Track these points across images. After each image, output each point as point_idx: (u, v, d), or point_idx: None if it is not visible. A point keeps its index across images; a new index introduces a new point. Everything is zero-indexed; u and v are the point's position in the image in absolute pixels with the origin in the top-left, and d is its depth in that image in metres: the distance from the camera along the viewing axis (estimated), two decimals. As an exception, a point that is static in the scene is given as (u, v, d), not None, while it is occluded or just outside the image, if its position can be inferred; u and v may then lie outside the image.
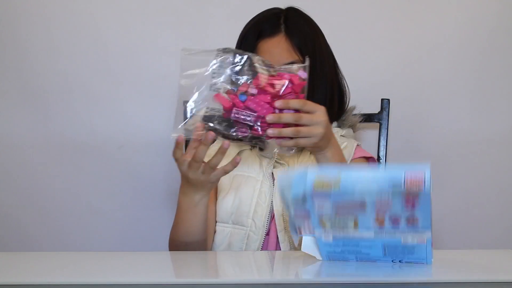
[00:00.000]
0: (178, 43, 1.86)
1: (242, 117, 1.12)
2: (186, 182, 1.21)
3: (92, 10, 1.84)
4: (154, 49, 1.86)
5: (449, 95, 1.89)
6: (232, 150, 1.42)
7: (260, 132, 1.13)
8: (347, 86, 1.47)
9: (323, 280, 0.99)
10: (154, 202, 1.92)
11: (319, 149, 1.22)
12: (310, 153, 1.39)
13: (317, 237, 1.01)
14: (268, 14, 1.41)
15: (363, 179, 0.94)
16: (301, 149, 1.39)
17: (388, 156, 1.75)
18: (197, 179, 1.18)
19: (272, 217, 1.37)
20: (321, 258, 1.04)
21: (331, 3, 1.85)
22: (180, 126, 1.13)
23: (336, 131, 1.42)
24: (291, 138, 1.15)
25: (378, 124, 1.70)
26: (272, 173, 1.40)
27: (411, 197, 0.92)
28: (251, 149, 1.43)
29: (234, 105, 1.12)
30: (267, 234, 1.37)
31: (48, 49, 1.85)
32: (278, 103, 1.13)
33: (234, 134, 1.13)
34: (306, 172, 0.96)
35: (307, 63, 1.16)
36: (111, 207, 1.92)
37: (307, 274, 1.06)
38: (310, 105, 1.16)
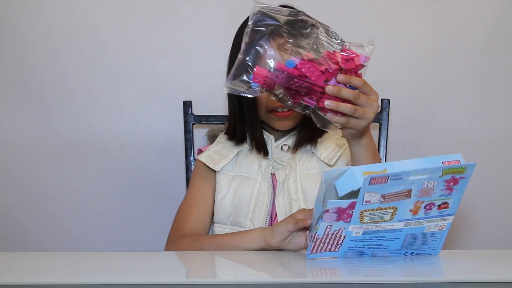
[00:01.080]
0: (178, 43, 1.86)
1: (294, 84, 1.08)
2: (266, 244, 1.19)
3: (92, 10, 1.84)
4: (154, 49, 1.86)
5: (449, 95, 1.89)
6: (231, 150, 1.42)
7: (314, 102, 1.10)
8: None
9: (330, 280, 0.99)
10: (154, 202, 1.92)
11: (360, 135, 1.19)
12: (313, 153, 1.39)
13: (347, 234, 1.03)
14: None
15: (411, 167, 0.98)
16: (296, 149, 1.39)
17: (388, 156, 1.75)
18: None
19: (271, 218, 1.36)
20: (336, 257, 1.07)
21: (331, 3, 1.85)
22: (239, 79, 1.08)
23: (338, 130, 1.42)
24: (344, 115, 1.12)
25: (378, 124, 1.70)
26: (273, 174, 1.39)
27: (453, 182, 1.00)
28: (250, 150, 1.43)
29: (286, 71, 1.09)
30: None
31: (48, 49, 1.85)
32: (340, 77, 1.11)
33: (289, 101, 1.10)
34: (352, 169, 0.99)
35: (373, 45, 1.14)
36: (111, 207, 1.92)
37: (311, 274, 1.06)
38: (368, 87, 1.16)
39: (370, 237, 1.05)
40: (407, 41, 1.87)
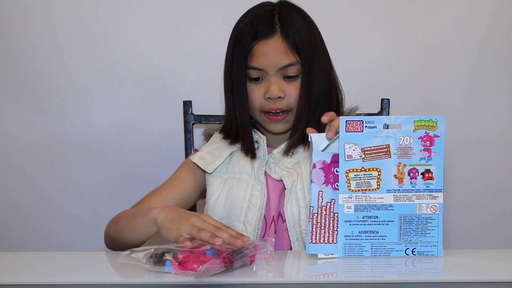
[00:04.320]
0: (178, 43, 1.86)
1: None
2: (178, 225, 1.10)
3: (92, 10, 1.84)
4: (154, 49, 1.86)
5: (449, 95, 1.89)
6: (224, 151, 1.40)
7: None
8: (340, 84, 1.45)
9: (332, 280, 0.99)
10: (154, 202, 1.91)
11: None
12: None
13: (340, 212, 1.07)
14: (261, 13, 1.34)
15: (386, 120, 1.05)
16: (289, 150, 1.36)
17: (388, 156, 1.75)
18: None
19: (265, 219, 1.34)
20: (337, 255, 1.08)
21: (331, 2, 1.85)
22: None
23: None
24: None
25: (378, 124, 1.70)
26: (265, 175, 1.37)
27: (428, 141, 1.04)
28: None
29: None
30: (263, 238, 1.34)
31: (48, 49, 1.85)
32: None
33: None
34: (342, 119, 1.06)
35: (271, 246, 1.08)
36: (111, 207, 1.92)
37: (313, 274, 1.06)
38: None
39: (363, 217, 1.07)
40: (407, 41, 1.87)
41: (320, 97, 1.34)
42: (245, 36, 1.32)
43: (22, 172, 1.91)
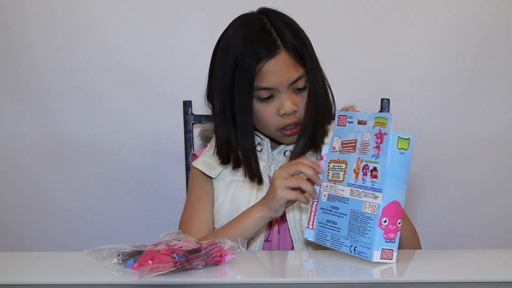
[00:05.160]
0: (178, 43, 1.86)
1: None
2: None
3: (92, 10, 1.84)
4: (154, 49, 1.86)
5: (449, 95, 1.89)
6: None
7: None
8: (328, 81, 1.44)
9: (331, 280, 0.99)
10: (154, 202, 1.92)
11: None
12: (317, 159, 1.35)
13: (319, 198, 1.14)
14: (254, 31, 1.28)
15: (359, 116, 1.11)
16: (297, 156, 1.35)
17: (388, 156, 1.75)
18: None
19: (270, 222, 1.33)
20: (312, 239, 1.14)
21: (330, 3, 1.85)
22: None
23: None
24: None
25: (378, 124, 1.70)
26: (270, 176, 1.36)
27: (379, 138, 1.05)
28: None
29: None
30: (266, 239, 1.34)
31: (48, 49, 1.85)
32: None
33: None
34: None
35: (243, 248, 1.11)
36: (111, 207, 1.92)
37: (309, 274, 1.06)
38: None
39: (330, 207, 1.11)
40: (407, 41, 1.87)
41: (322, 99, 1.34)
42: (247, 59, 1.26)
43: (22, 172, 1.91)
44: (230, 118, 1.31)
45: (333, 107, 1.40)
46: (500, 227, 1.95)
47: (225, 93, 1.30)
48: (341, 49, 1.86)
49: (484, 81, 1.89)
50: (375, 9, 1.86)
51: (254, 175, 1.33)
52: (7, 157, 1.90)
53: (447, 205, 1.94)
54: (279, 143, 1.39)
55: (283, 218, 1.34)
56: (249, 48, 1.27)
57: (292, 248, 1.33)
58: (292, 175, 1.17)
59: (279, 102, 1.30)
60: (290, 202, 1.20)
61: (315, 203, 1.14)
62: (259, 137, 1.39)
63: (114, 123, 1.88)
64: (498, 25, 1.87)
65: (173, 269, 0.98)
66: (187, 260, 0.99)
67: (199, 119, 1.70)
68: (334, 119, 1.43)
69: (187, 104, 1.70)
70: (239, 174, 1.37)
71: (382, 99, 1.68)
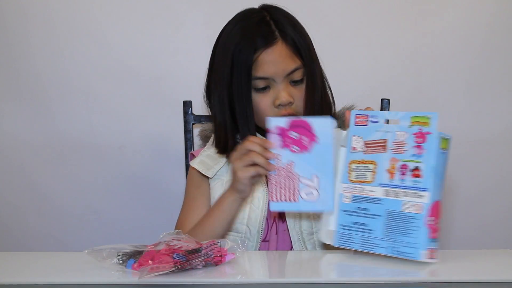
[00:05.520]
0: (178, 43, 1.86)
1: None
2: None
3: (92, 10, 1.84)
4: (154, 49, 1.86)
5: (448, 95, 1.89)
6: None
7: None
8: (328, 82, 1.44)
9: (325, 280, 0.99)
10: (154, 202, 1.92)
11: None
12: None
13: (339, 200, 1.10)
14: (254, 22, 1.31)
15: (387, 115, 1.09)
16: None
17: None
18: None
19: (267, 221, 1.34)
20: (333, 243, 1.10)
21: (330, 3, 1.85)
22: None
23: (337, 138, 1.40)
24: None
25: (378, 124, 1.70)
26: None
27: (421, 138, 1.03)
28: None
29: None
30: (264, 240, 1.34)
31: (48, 49, 1.85)
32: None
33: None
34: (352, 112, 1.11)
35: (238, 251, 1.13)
36: (111, 207, 1.92)
37: (309, 274, 1.06)
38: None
39: (357, 209, 1.08)
40: (407, 41, 1.87)
41: (320, 95, 1.34)
42: (244, 48, 1.28)
43: (22, 172, 1.91)
44: (228, 109, 1.33)
45: (333, 107, 1.40)
46: (500, 227, 1.95)
47: (224, 84, 1.32)
48: (341, 49, 1.86)
49: (484, 81, 1.89)
50: (375, 9, 1.86)
51: None
52: (7, 157, 1.90)
53: (447, 205, 1.93)
54: None
55: (282, 218, 1.34)
56: (247, 38, 1.29)
57: (291, 248, 1.33)
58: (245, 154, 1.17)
59: (275, 93, 1.31)
60: (255, 178, 1.19)
61: (273, 175, 1.12)
62: (258, 135, 1.39)
63: (114, 123, 1.88)
64: (498, 25, 1.87)
65: (173, 269, 0.98)
66: (187, 260, 0.99)
67: (199, 119, 1.70)
68: (336, 118, 1.45)
69: (187, 104, 1.70)
70: None
71: (382, 99, 1.68)
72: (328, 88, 1.39)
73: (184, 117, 1.70)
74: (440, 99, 1.89)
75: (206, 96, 1.39)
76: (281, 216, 1.34)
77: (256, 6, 1.37)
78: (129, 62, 1.86)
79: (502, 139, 1.91)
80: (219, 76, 1.33)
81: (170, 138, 1.88)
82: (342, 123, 1.45)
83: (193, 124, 1.70)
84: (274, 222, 1.35)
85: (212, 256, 1.03)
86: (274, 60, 1.28)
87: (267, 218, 1.34)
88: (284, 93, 1.30)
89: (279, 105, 1.30)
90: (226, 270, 1.02)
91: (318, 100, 1.34)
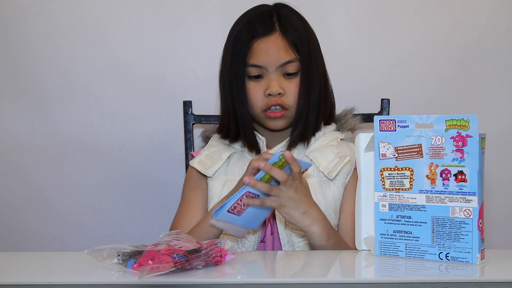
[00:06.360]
0: (178, 43, 1.86)
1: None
2: None
3: (92, 10, 1.84)
4: (154, 49, 1.86)
5: (448, 95, 1.89)
6: (223, 154, 1.40)
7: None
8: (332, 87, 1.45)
9: (329, 280, 0.99)
10: (154, 202, 1.92)
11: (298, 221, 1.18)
12: (311, 160, 1.36)
13: (375, 209, 1.08)
14: (258, 13, 1.36)
15: (417, 119, 1.05)
16: (289, 149, 1.36)
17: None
18: None
19: (265, 222, 1.33)
20: (374, 253, 1.08)
21: (331, 3, 1.85)
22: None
23: (336, 136, 1.41)
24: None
25: (378, 124, 1.70)
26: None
27: (461, 141, 1.01)
28: (241, 151, 1.41)
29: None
30: (262, 240, 1.34)
31: (48, 49, 1.85)
32: (261, 165, 1.10)
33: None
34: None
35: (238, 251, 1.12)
36: (111, 207, 1.92)
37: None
38: (289, 183, 1.13)
39: (397, 217, 1.07)
40: (407, 41, 1.87)
41: (318, 95, 1.35)
42: (243, 35, 1.33)
43: (22, 172, 1.91)
44: (228, 91, 1.37)
45: (334, 109, 1.41)
46: (500, 227, 1.95)
47: (226, 70, 1.37)
48: (341, 49, 1.86)
49: (484, 81, 1.89)
50: (375, 9, 1.86)
51: (253, 146, 1.37)
52: (7, 157, 1.90)
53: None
54: (276, 144, 1.40)
55: (275, 219, 1.34)
56: (247, 27, 1.34)
57: None
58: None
59: (267, 82, 1.33)
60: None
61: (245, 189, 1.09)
62: (257, 137, 1.40)
63: (114, 123, 1.88)
64: (498, 25, 1.87)
65: (173, 269, 0.98)
66: (187, 260, 0.99)
67: (199, 119, 1.70)
68: (335, 121, 1.45)
69: (187, 104, 1.70)
70: (235, 173, 1.37)
71: (382, 99, 1.68)
72: (330, 91, 1.40)
73: (184, 117, 1.70)
74: (440, 99, 1.89)
75: (219, 82, 1.42)
76: (275, 217, 1.34)
77: (252, 5, 1.40)
78: (129, 62, 1.86)
79: (502, 139, 1.91)
80: (223, 62, 1.39)
81: (170, 138, 1.88)
82: (341, 126, 1.45)
83: (193, 124, 1.70)
84: (269, 223, 1.35)
85: (212, 256, 1.03)
86: (269, 50, 1.32)
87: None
88: (274, 83, 1.32)
89: (269, 94, 1.33)
90: (226, 270, 1.02)
91: (316, 98, 1.34)
